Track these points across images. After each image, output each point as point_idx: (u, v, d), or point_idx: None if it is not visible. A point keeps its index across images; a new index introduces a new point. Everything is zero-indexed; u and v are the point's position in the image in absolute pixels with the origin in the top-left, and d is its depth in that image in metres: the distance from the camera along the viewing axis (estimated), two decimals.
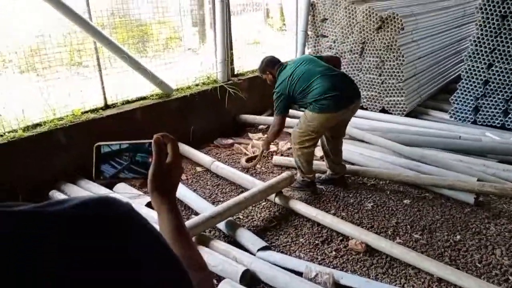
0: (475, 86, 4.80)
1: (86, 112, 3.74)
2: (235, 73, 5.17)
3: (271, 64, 3.57)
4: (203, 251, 2.53)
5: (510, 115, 4.66)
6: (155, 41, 5.19)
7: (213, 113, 4.71)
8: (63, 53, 4.14)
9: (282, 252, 2.74)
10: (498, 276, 2.49)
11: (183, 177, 3.80)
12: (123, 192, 3.33)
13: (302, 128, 3.27)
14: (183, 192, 3.30)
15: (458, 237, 2.88)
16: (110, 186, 3.48)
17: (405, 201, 3.36)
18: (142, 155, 0.85)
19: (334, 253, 2.73)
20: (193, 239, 2.65)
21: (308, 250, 2.76)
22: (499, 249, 2.73)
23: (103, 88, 3.88)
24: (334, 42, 5.55)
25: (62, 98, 3.76)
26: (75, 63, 4.79)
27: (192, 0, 5.93)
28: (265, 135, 4.72)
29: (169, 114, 4.24)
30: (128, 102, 4.08)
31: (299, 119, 3.36)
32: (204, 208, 3.02)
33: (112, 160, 0.85)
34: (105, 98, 3.90)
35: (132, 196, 3.27)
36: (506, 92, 4.62)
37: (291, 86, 3.26)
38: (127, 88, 4.19)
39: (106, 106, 3.91)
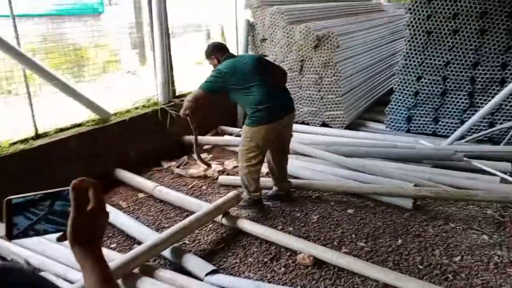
0: (407, 98, 5.08)
1: (15, 143, 3.51)
2: (177, 94, 5.11)
3: (219, 50, 3.46)
4: (148, 282, 2.42)
5: (439, 123, 4.97)
6: (92, 65, 5.03)
7: (155, 136, 4.59)
8: None
9: (231, 274, 2.68)
10: (439, 276, 2.59)
11: (124, 204, 3.65)
12: None
13: (245, 145, 3.28)
14: (124, 221, 3.16)
15: (400, 241, 2.98)
16: None
17: (349, 211, 3.44)
18: (61, 204, 0.77)
19: (283, 269, 2.72)
20: (136, 270, 2.53)
21: (257, 269, 2.73)
22: (438, 250, 2.85)
23: (33, 116, 3.66)
24: (275, 61, 5.66)
25: None
26: (3, 92, 4.52)
27: (131, 22, 5.84)
28: (209, 156, 4.69)
29: (107, 140, 4.07)
30: (61, 130, 3.87)
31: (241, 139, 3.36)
32: (147, 236, 2.90)
33: (27, 211, 0.75)
34: (35, 127, 3.68)
35: None
36: (435, 101, 4.93)
37: (230, 77, 3.19)
38: (61, 115, 3.99)
39: (37, 136, 3.68)
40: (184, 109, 3.38)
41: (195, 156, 3.89)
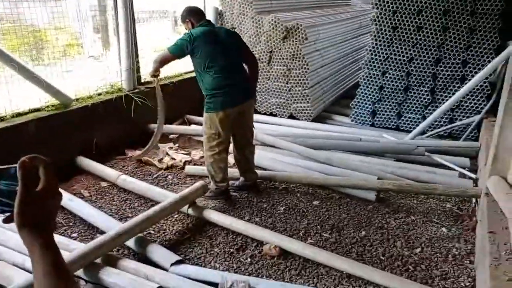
0: (372, 92, 5.19)
1: None
2: (142, 81, 4.98)
3: (194, 14, 3.34)
4: (111, 272, 2.36)
5: (402, 118, 5.13)
6: (51, 48, 4.79)
7: (119, 123, 4.46)
8: None
9: (196, 265, 2.66)
10: (400, 267, 2.68)
11: (85, 193, 3.53)
12: None
13: (206, 133, 3.29)
14: (86, 211, 3.06)
15: (363, 233, 3.06)
16: None
17: (314, 202, 3.49)
18: (8, 183, 0.71)
19: (249, 260, 2.73)
20: (99, 260, 2.46)
21: (223, 260, 2.72)
22: (400, 241, 2.95)
23: None
24: None
25: None
26: None
27: (93, 5, 5.61)
28: (175, 145, 4.61)
29: (68, 126, 3.92)
30: (19, 114, 3.69)
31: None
32: (111, 226, 2.82)
33: None
34: None
35: None
36: (398, 96, 5.07)
37: (198, 45, 3.12)
38: (19, 99, 3.79)
39: None
40: (153, 70, 3.47)
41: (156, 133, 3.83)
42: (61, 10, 4.77)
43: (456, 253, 2.82)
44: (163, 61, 3.35)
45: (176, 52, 3.21)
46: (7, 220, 0.71)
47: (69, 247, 2.54)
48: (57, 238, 2.64)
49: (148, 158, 4.18)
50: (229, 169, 3.59)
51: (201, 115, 5.30)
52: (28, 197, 0.69)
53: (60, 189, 0.75)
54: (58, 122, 3.84)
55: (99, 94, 4.44)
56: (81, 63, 5.20)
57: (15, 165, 0.70)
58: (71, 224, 3.08)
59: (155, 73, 3.52)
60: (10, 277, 2.31)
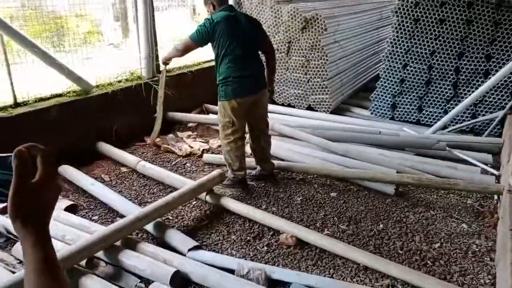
0: (392, 85, 5.13)
1: None
2: (161, 69, 5.01)
3: None
4: (130, 254, 2.41)
5: (423, 111, 5.06)
6: (72, 35, 4.86)
7: (138, 110, 4.51)
8: None
9: (213, 251, 2.69)
10: (418, 261, 2.66)
11: (106, 178, 3.60)
12: None
13: (220, 121, 3.31)
14: (106, 194, 3.12)
15: (381, 226, 3.04)
16: None
17: (332, 194, 3.48)
18: (3, 172, 0.67)
19: (265, 248, 2.75)
20: (119, 243, 2.50)
21: (240, 247, 2.75)
22: (418, 236, 2.93)
23: (11, 84, 3.53)
24: None
25: None
26: None
27: None
28: (194, 133, 4.65)
29: (89, 112, 3.98)
30: (41, 99, 3.76)
31: None
32: (130, 210, 2.88)
33: None
34: (14, 96, 3.55)
35: None
36: (419, 90, 5.00)
37: (218, 30, 3.11)
38: (41, 85, 3.87)
39: (16, 104, 3.57)
40: (168, 57, 3.49)
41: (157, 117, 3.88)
42: None
43: (476, 249, 2.79)
44: (185, 49, 3.34)
45: (198, 39, 3.20)
46: (1, 211, 0.69)
47: (90, 230, 2.60)
48: (79, 220, 2.72)
49: (167, 146, 4.23)
50: (247, 159, 3.60)
51: None
52: (22, 189, 0.65)
53: (58, 181, 0.71)
54: (79, 108, 3.90)
55: (119, 82, 4.49)
56: (101, 51, 5.26)
57: (11, 154, 0.67)
58: (92, 207, 3.15)
59: (168, 61, 3.56)
60: None
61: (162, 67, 3.80)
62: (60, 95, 3.92)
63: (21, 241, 0.67)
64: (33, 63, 3.78)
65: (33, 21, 4.24)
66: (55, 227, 2.60)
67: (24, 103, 3.63)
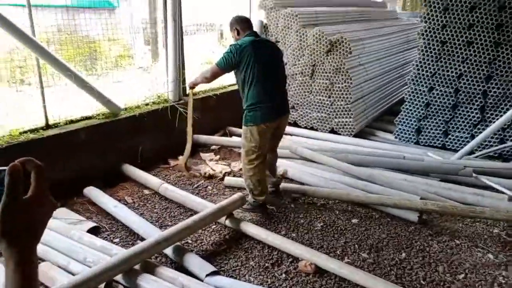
0: (418, 108, 5.04)
1: (25, 132, 3.53)
2: (187, 93, 5.10)
3: (240, 22, 3.38)
4: (148, 279, 2.42)
5: (449, 136, 4.92)
6: (104, 58, 5.04)
7: (164, 133, 4.60)
8: (3, 70, 3.92)
9: (231, 277, 2.67)
10: None
11: (129, 200, 3.65)
12: (61, 218, 3.13)
13: (245, 146, 3.30)
14: (128, 217, 3.16)
15: (404, 255, 2.95)
16: None
17: (353, 221, 3.41)
18: None
19: (284, 275, 2.70)
20: (137, 266, 2.52)
21: (258, 274, 2.71)
22: (442, 266, 2.82)
23: (44, 106, 3.68)
24: (286, 64, 5.65)
25: (0, 117, 3.53)
26: (16, 80, 4.55)
27: (145, 18, 5.86)
28: (216, 156, 4.68)
29: (116, 134, 4.09)
30: (72, 121, 3.89)
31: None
32: (150, 233, 2.90)
33: None
34: (46, 117, 3.69)
35: (71, 221, 3.09)
36: (446, 114, 4.88)
37: (243, 58, 3.15)
38: (72, 107, 4.01)
39: (48, 126, 3.70)
40: (195, 82, 3.53)
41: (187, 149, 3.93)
42: (114, 22, 5.02)
43: (503, 281, 2.65)
44: (212, 76, 3.38)
45: (224, 66, 3.24)
46: None
47: (111, 252, 2.63)
48: (100, 242, 2.75)
49: (194, 171, 4.25)
50: None
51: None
52: (12, 206, 0.62)
53: (52, 199, 0.68)
54: (107, 130, 4.01)
55: (147, 104, 4.60)
56: (131, 74, 5.42)
57: (6, 167, 0.65)
58: (114, 229, 3.19)
59: (195, 86, 3.63)
60: (54, 279, 2.42)
61: (188, 91, 3.88)
62: (89, 118, 4.04)
63: (6, 262, 0.64)
64: (66, 86, 3.93)
65: (68, 45, 4.44)
66: (77, 249, 2.65)
67: (55, 125, 3.76)
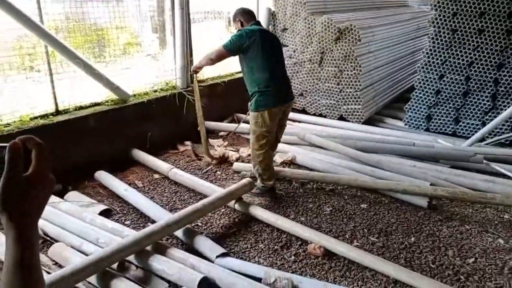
0: (428, 96, 5.01)
1: (35, 118, 3.58)
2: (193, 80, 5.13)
3: (244, 14, 3.43)
4: (160, 259, 2.46)
5: (460, 123, 4.90)
6: (112, 46, 5.06)
7: (172, 119, 4.64)
8: (13, 57, 3.96)
9: (241, 259, 2.71)
10: (451, 276, 2.57)
11: (139, 184, 3.70)
12: (73, 201, 3.19)
13: (256, 132, 3.32)
14: (139, 200, 3.21)
15: (413, 239, 2.96)
16: (61, 194, 3.33)
17: (362, 206, 3.43)
18: None
19: (293, 257, 2.74)
20: (149, 247, 2.57)
21: (267, 256, 2.75)
22: (452, 250, 2.83)
23: (54, 93, 3.72)
24: (295, 51, 5.64)
25: (10, 103, 3.58)
26: (26, 67, 4.59)
27: (152, 6, 5.86)
28: (225, 141, 4.71)
29: (124, 120, 4.13)
30: (81, 108, 3.94)
31: (250, 126, 3.42)
32: (161, 216, 2.95)
33: None
34: (56, 104, 3.74)
35: (83, 204, 3.14)
36: (456, 101, 4.86)
37: (254, 42, 3.18)
38: (81, 93, 4.05)
39: (57, 112, 3.75)
40: (199, 65, 3.53)
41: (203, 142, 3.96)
42: (122, 10, 5.03)
43: None
44: (217, 58, 3.39)
45: (232, 48, 3.25)
46: None
47: (123, 234, 2.68)
48: (112, 224, 2.81)
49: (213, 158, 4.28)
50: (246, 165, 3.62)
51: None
52: (13, 182, 0.63)
53: (52, 177, 0.68)
54: (116, 116, 4.05)
55: (155, 91, 4.64)
56: (139, 61, 5.45)
57: (6, 144, 0.66)
58: (125, 212, 3.24)
59: (198, 69, 3.62)
60: (68, 259, 2.48)
61: (194, 76, 3.90)
62: (98, 104, 4.09)
63: (6, 234, 0.65)
64: (75, 73, 3.96)
65: (76, 33, 4.46)
66: (89, 230, 2.70)
67: (65, 111, 3.81)
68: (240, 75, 5.47)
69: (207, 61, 3.45)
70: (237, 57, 3.38)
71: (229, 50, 3.27)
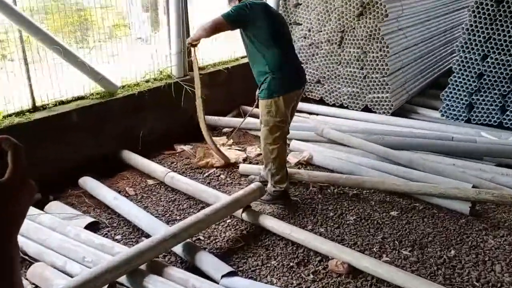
0: (469, 80, 4.97)
1: (10, 115, 3.61)
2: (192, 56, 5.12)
3: None
4: (156, 280, 2.48)
5: (508, 112, 4.85)
6: (97, 29, 5.08)
7: (168, 114, 4.65)
8: None
9: (251, 278, 2.72)
10: None
11: (131, 191, 3.73)
12: (54, 212, 3.21)
13: (269, 123, 3.32)
14: (131, 211, 3.23)
15: (453, 252, 2.96)
16: (41, 205, 3.36)
17: (392, 213, 3.43)
18: None
19: (311, 276, 2.74)
20: (143, 266, 2.59)
21: (281, 274, 2.76)
22: (499, 265, 2.82)
23: (30, 85, 3.75)
24: (309, 30, 5.62)
25: None
26: None
27: None
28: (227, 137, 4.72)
29: (112, 117, 4.16)
30: (62, 102, 3.97)
31: (260, 118, 3.43)
32: (156, 229, 2.96)
33: None
34: (33, 98, 3.77)
35: (66, 217, 3.17)
36: (503, 86, 4.80)
37: (255, 18, 3.17)
38: (62, 86, 4.07)
39: (35, 108, 3.78)
40: (195, 38, 3.47)
41: (207, 139, 4.00)
42: None
43: None
44: (214, 29, 3.29)
45: (233, 18, 3.18)
46: None
47: (113, 251, 2.70)
48: (100, 239, 2.83)
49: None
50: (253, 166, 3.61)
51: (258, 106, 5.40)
52: None
53: (32, 183, 0.67)
54: (102, 112, 4.08)
55: (147, 81, 4.65)
56: (128, 46, 5.46)
57: None
58: (115, 225, 3.27)
59: (195, 42, 3.52)
60: (49, 281, 2.51)
61: (192, 51, 3.80)
62: (82, 98, 4.11)
63: None
64: (54, 61, 3.98)
65: (55, 15, 4.48)
66: (74, 247, 2.73)
67: (43, 107, 3.84)
68: (246, 60, 5.48)
69: (201, 32, 3.38)
70: (241, 40, 3.38)
71: (229, 21, 3.19)
